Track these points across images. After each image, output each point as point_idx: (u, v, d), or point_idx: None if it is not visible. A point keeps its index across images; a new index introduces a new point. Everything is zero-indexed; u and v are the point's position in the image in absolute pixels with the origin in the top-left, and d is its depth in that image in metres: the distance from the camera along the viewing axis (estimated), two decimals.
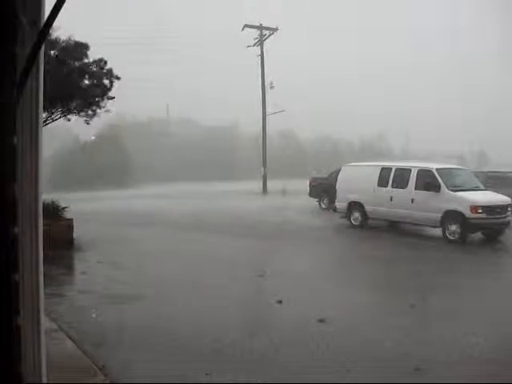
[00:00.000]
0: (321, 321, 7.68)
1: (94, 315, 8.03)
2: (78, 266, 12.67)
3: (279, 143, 60.52)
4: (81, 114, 16.84)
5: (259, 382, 5.78)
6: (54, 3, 1.69)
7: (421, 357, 6.28)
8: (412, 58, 79.52)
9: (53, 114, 16.29)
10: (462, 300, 9.37)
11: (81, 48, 16.05)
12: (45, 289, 2.05)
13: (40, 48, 1.75)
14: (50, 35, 15.26)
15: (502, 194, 17.32)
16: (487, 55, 75.50)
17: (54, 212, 14.46)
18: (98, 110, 16.90)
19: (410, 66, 78.14)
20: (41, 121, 1.96)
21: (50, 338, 6.20)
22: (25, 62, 1.67)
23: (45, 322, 2.10)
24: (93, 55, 16.35)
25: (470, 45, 79.68)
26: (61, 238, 13.25)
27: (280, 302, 8.76)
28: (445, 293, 9.73)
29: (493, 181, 20.24)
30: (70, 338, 6.81)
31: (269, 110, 40.66)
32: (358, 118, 65.64)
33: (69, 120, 17.28)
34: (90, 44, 16.43)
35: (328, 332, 7.31)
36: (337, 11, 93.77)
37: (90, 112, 16.84)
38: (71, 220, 14.81)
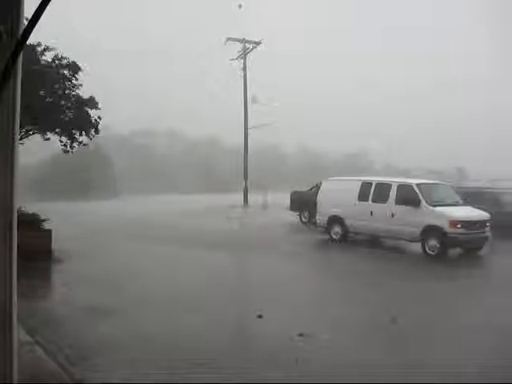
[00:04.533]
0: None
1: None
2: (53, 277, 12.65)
3: (261, 156, 60.65)
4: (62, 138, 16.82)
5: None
6: (32, 13, 1.69)
7: None
8: (393, 76, 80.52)
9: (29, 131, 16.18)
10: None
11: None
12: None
13: (17, 59, 1.73)
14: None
15: (480, 209, 17.51)
16: (465, 73, 76.67)
17: (32, 223, 14.28)
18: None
19: (391, 83, 79.08)
20: (17, 134, 1.95)
21: (25, 352, 6.13)
22: (1, 73, 1.65)
23: (18, 335, 2.07)
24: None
25: (450, 63, 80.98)
26: (39, 250, 13.08)
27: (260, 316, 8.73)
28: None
29: (472, 196, 20.44)
30: (46, 350, 6.70)
31: (251, 123, 40.85)
32: (340, 133, 66.18)
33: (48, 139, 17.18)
34: (73, 53, 16.43)
35: None
36: (322, 28, 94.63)
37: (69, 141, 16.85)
38: (50, 231, 14.66)
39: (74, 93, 16.04)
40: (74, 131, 16.30)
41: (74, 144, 16.78)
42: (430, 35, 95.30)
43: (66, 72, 15.81)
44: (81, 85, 16.14)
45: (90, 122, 16.36)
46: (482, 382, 6.09)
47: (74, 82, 15.98)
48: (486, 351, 7.28)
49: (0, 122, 1.84)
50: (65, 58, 15.80)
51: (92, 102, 16.37)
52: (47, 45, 15.59)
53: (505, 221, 19.42)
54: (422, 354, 7.10)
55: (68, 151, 17.08)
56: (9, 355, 1.91)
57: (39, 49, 15.37)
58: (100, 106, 16.69)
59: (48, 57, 15.72)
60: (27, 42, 1.77)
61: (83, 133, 16.40)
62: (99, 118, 16.54)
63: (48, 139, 17.13)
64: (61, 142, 16.78)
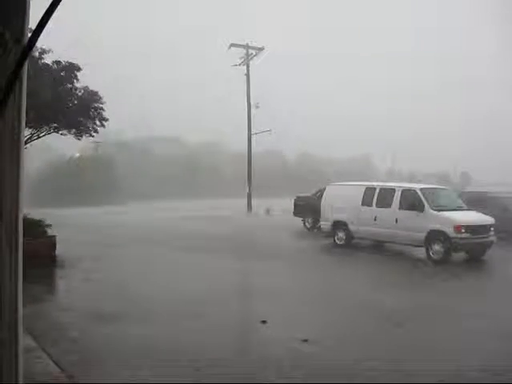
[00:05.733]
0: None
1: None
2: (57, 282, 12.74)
3: (265, 162, 60.77)
4: (71, 131, 16.99)
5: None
6: (38, 20, 1.70)
7: None
8: (395, 81, 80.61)
9: (38, 131, 16.33)
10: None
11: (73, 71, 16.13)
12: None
13: (23, 65, 1.75)
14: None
15: (484, 213, 17.48)
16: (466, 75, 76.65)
17: (37, 229, 14.34)
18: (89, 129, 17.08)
19: (396, 87, 79.12)
20: (23, 139, 1.95)
21: (30, 357, 6.13)
22: (7, 79, 1.66)
23: (23, 341, 2.08)
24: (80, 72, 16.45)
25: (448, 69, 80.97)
26: (43, 255, 13.14)
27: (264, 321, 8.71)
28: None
29: (476, 201, 20.41)
30: (50, 356, 6.70)
31: (255, 129, 40.88)
32: (343, 139, 66.21)
33: (62, 134, 17.28)
34: (74, 58, 16.62)
35: None
36: (326, 31, 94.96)
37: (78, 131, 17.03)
38: (54, 237, 14.71)
39: (77, 91, 16.27)
40: (80, 121, 16.53)
41: (82, 134, 17.07)
42: (435, 37, 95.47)
43: (63, 74, 15.97)
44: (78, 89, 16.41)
45: (96, 111, 16.61)
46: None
47: (75, 84, 16.21)
48: None
49: (6, 128, 1.84)
50: (63, 62, 16.00)
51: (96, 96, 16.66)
52: (43, 47, 15.66)
53: (510, 225, 19.42)
54: None
55: (79, 139, 17.53)
56: (14, 358, 1.92)
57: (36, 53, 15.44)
58: (103, 109, 16.93)
59: (46, 59, 15.87)
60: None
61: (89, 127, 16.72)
62: (102, 109, 16.79)
63: (61, 132, 17.18)
64: (70, 132, 16.99)
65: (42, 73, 15.05)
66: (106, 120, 17.15)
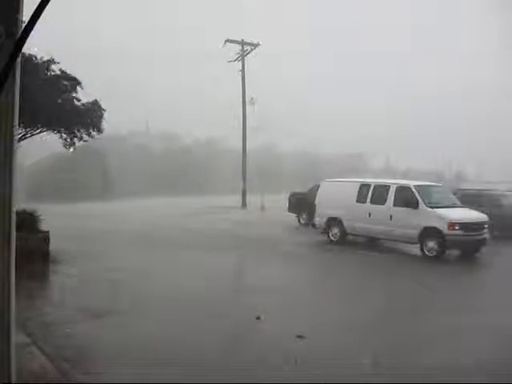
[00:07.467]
0: None
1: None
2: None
3: (259, 158, 60.64)
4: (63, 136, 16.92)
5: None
6: (30, 14, 1.68)
7: None
8: (393, 79, 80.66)
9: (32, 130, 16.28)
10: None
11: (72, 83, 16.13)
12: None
13: (16, 59, 1.72)
14: None
15: (478, 211, 17.51)
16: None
17: (30, 224, 14.26)
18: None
19: (392, 85, 79.20)
20: (15, 134, 1.93)
21: (23, 353, 6.10)
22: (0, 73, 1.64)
23: (16, 337, 2.06)
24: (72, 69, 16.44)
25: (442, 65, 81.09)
26: (36, 251, 13.08)
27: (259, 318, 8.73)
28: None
29: (470, 198, 20.43)
30: (44, 352, 6.67)
31: (249, 124, 40.84)
32: (339, 136, 66.21)
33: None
34: (70, 56, 16.58)
35: None
36: (323, 28, 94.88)
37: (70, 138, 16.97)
38: (47, 232, 14.64)
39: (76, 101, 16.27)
40: (75, 128, 16.47)
41: (75, 140, 16.94)
42: (435, 34, 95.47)
43: (66, 83, 16.01)
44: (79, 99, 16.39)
45: (94, 120, 16.55)
46: (481, 382, 6.11)
47: (73, 94, 16.24)
48: None
49: None
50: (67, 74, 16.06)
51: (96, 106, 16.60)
52: (53, 58, 15.83)
53: (504, 222, 19.50)
54: None
55: (70, 147, 17.28)
56: (7, 356, 1.90)
57: (45, 59, 15.55)
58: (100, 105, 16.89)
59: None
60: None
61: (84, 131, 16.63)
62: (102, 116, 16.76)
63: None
64: (61, 138, 16.91)
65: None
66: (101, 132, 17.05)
